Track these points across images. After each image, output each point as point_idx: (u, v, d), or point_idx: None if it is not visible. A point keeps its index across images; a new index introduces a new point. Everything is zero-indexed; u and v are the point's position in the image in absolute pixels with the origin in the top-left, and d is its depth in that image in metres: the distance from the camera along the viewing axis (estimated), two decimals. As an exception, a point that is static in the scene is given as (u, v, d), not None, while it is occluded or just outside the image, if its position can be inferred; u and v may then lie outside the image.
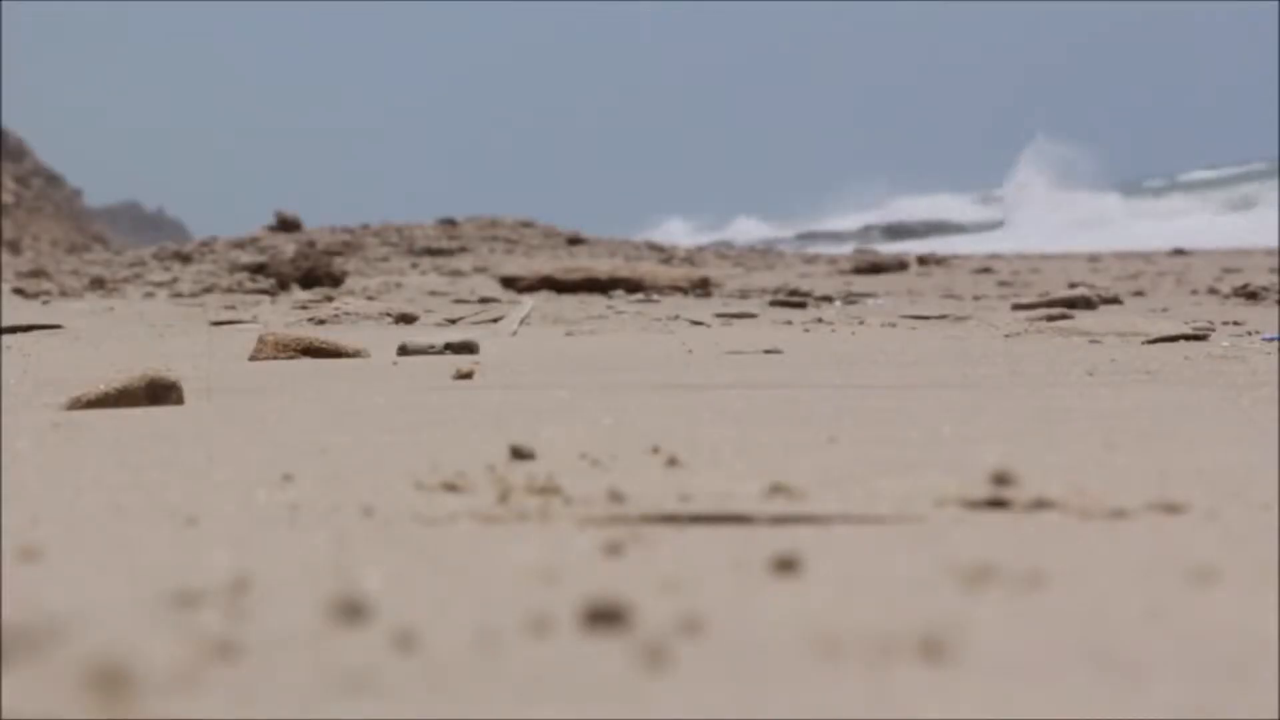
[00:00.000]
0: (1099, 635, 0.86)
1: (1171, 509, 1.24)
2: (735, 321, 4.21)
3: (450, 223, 12.04)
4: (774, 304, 5.24)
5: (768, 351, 2.92)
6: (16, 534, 1.17)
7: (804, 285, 6.59)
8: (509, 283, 6.47)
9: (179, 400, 2.11)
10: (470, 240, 11.21)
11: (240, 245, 10.58)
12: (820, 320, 4.17)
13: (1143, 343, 3.20)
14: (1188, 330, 3.37)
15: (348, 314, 4.64)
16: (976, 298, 5.99)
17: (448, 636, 0.86)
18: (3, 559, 1.07)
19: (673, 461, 1.48)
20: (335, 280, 6.58)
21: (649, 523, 1.20)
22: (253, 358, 2.93)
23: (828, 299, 5.63)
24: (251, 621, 0.90)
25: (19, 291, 6.73)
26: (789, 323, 4.06)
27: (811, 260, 10.59)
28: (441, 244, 10.90)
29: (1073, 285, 6.20)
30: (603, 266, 6.56)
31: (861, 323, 4.02)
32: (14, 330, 3.84)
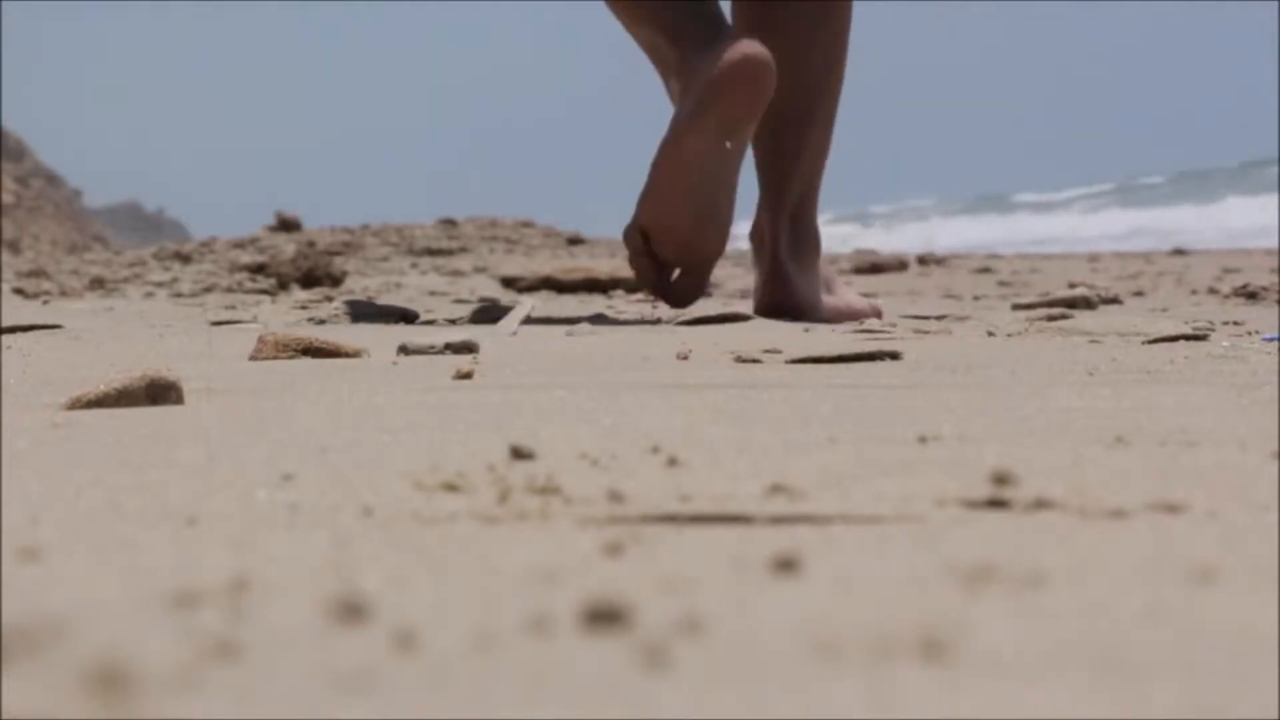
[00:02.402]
0: (1099, 635, 0.86)
1: (1171, 509, 1.24)
2: (735, 321, 4.21)
3: (450, 223, 12.03)
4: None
5: (768, 351, 2.92)
6: (16, 534, 1.17)
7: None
8: (509, 283, 6.47)
9: (179, 400, 2.11)
10: (470, 240, 11.20)
11: (240, 245, 10.57)
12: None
13: (1143, 343, 3.20)
14: (1188, 330, 3.36)
15: (348, 314, 4.64)
16: (976, 297, 5.99)
17: (448, 636, 0.86)
18: (3, 559, 1.07)
19: (673, 461, 1.48)
20: (335, 280, 6.57)
21: (649, 523, 1.20)
22: (253, 358, 2.93)
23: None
24: (251, 621, 0.90)
25: (19, 291, 6.72)
26: (789, 322, 4.06)
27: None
28: (441, 244, 10.89)
29: (1073, 285, 6.19)
30: (603, 266, 6.56)
31: (862, 322, 4.02)
32: (14, 330, 3.84)
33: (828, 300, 3.72)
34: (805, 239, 3.64)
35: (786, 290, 3.59)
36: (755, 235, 3.66)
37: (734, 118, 3.21)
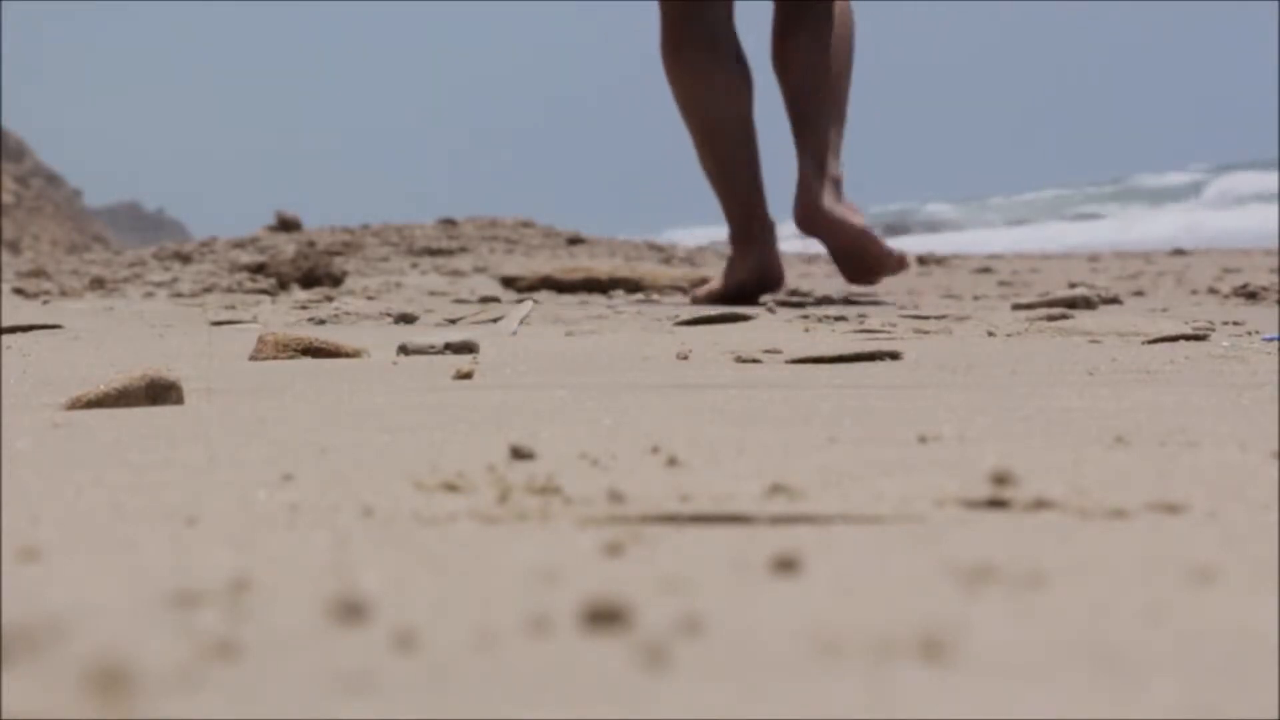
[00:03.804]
0: (1099, 635, 0.86)
1: (1171, 509, 1.24)
2: (735, 321, 4.21)
3: (450, 223, 12.02)
4: (774, 304, 5.24)
5: (768, 351, 2.92)
6: (16, 534, 1.17)
7: (804, 285, 6.60)
8: (509, 283, 6.47)
9: (179, 400, 2.11)
10: (470, 240, 11.20)
11: (240, 245, 10.57)
12: (820, 320, 4.17)
13: (1143, 343, 3.20)
14: (1188, 330, 3.37)
15: (348, 314, 4.64)
16: (976, 297, 5.99)
17: (448, 636, 0.86)
18: (3, 559, 1.07)
19: (673, 461, 1.48)
20: (335, 280, 6.57)
21: (649, 523, 1.21)
22: (253, 358, 2.93)
23: (828, 299, 5.63)
24: (251, 621, 0.90)
25: (19, 291, 6.72)
26: (789, 322, 4.06)
27: (811, 260, 10.60)
28: (441, 244, 10.89)
29: (1073, 285, 6.19)
30: (603, 266, 6.55)
31: (862, 322, 4.02)
32: (14, 330, 3.84)
33: (851, 216, 5.11)
34: (827, 176, 5.10)
35: (815, 202, 5.02)
36: (799, 176, 5.14)
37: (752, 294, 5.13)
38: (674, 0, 5.21)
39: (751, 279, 5.15)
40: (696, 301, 5.19)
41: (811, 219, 5.06)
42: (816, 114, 5.14)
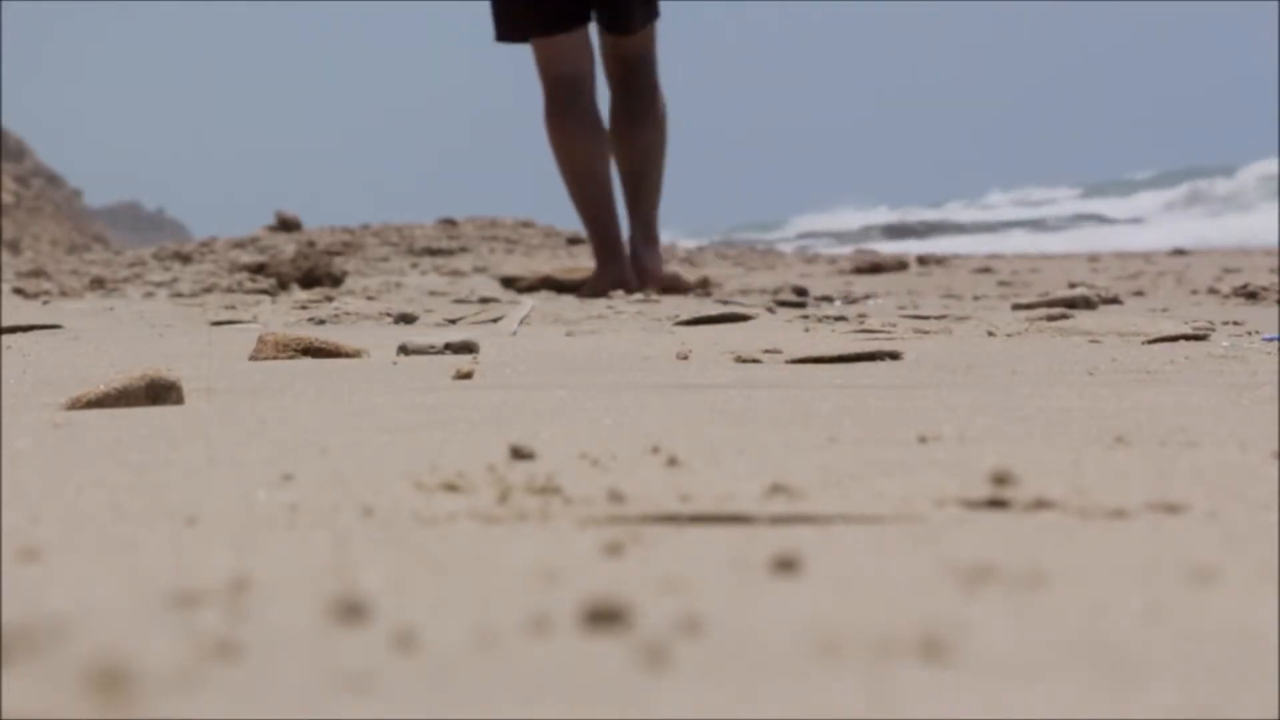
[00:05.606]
0: (1099, 635, 0.86)
1: (1171, 509, 1.24)
2: (735, 321, 4.21)
3: (450, 223, 12.02)
4: (774, 304, 5.24)
5: (767, 351, 2.92)
6: (16, 534, 1.17)
7: (804, 285, 6.60)
8: (509, 283, 6.47)
9: (179, 400, 2.11)
10: (470, 240, 11.20)
11: (240, 245, 10.57)
12: (820, 320, 4.17)
13: (1143, 343, 3.20)
14: (1188, 330, 3.37)
15: (348, 314, 4.64)
16: (976, 297, 5.99)
17: (448, 636, 0.86)
18: (3, 559, 1.07)
19: (673, 461, 1.48)
20: (335, 280, 6.57)
21: (649, 523, 1.21)
22: (253, 358, 2.93)
23: (828, 299, 5.62)
24: (251, 621, 0.90)
25: (19, 291, 6.72)
26: (789, 322, 4.06)
27: (811, 260, 10.60)
28: (441, 244, 10.90)
29: (1073, 285, 6.19)
30: (603, 266, 6.54)
31: (862, 322, 4.02)
32: (14, 330, 3.84)
33: (666, 270, 6.74)
34: (651, 237, 6.76)
35: (639, 265, 6.59)
36: (630, 240, 6.74)
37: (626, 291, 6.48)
38: (554, 86, 6.70)
39: (614, 286, 6.52)
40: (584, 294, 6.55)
41: (641, 277, 6.59)
42: (645, 191, 6.77)
